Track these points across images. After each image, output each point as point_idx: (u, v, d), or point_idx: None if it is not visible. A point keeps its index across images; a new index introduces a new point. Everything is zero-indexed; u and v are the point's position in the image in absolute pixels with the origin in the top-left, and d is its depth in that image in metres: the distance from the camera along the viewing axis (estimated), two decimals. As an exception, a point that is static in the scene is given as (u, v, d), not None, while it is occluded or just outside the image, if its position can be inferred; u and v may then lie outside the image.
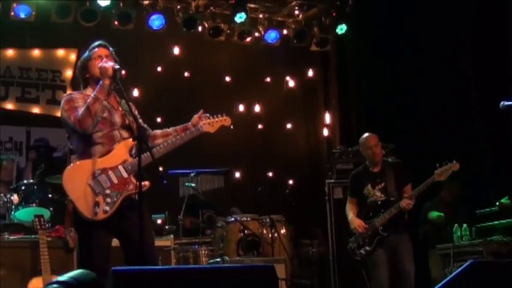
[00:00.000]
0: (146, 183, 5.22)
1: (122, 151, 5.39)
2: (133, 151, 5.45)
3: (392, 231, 7.38)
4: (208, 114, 5.83)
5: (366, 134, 7.85)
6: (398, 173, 7.60)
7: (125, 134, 5.48)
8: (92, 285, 2.78)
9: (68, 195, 5.33)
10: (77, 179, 5.28)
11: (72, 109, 5.37)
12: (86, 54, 5.62)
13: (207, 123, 5.79)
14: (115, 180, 5.31)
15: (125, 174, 5.35)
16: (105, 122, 5.39)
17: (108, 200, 5.26)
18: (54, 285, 2.64)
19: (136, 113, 5.59)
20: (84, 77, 5.61)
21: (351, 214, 7.71)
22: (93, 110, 5.26)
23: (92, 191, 5.24)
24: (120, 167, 5.34)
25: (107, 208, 5.24)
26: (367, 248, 7.46)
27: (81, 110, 5.30)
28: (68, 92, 10.88)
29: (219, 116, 5.88)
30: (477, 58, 9.39)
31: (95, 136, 5.36)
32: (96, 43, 5.63)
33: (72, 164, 5.41)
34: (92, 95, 5.33)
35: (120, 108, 5.54)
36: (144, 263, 4.90)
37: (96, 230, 5.27)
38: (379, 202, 7.51)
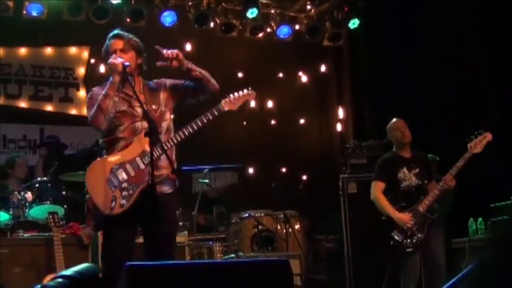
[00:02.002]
0: (163, 172, 5.29)
1: (140, 142, 5.36)
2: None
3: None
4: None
5: (394, 119, 7.75)
6: (427, 164, 7.55)
7: (146, 125, 5.42)
8: (96, 279, 2.77)
9: (88, 192, 5.42)
10: (96, 176, 5.30)
11: (91, 106, 5.38)
12: (106, 44, 5.60)
13: (228, 101, 5.69)
14: (132, 173, 5.30)
15: (142, 166, 5.31)
16: (125, 115, 5.39)
17: (125, 193, 5.24)
18: (59, 280, 2.63)
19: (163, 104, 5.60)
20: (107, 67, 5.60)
21: (389, 207, 7.40)
22: (103, 107, 5.25)
23: (109, 186, 5.25)
24: (138, 159, 5.33)
25: (123, 202, 5.22)
26: (419, 235, 7.23)
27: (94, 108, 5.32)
28: (81, 89, 10.95)
29: (244, 90, 5.79)
30: (490, 50, 9.34)
31: (117, 130, 5.37)
32: (111, 34, 5.60)
33: (94, 161, 5.44)
34: (103, 92, 5.33)
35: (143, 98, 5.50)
36: (160, 254, 4.92)
37: (118, 225, 5.27)
38: (413, 188, 7.38)
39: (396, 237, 7.33)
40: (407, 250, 7.29)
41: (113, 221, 5.25)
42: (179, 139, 5.46)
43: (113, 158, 5.35)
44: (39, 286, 2.85)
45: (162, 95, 5.61)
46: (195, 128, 5.51)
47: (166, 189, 5.40)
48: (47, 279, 7.25)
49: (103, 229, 5.54)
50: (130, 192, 5.25)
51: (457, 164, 7.22)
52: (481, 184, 8.63)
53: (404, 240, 7.29)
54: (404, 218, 7.27)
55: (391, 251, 7.43)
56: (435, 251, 7.26)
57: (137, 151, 5.35)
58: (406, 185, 7.42)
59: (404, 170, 7.44)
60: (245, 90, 5.83)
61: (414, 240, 7.26)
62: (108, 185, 5.26)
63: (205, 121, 5.55)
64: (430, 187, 7.41)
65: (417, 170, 7.44)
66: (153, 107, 5.51)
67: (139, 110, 5.43)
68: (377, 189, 7.56)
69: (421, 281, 7.47)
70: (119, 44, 5.52)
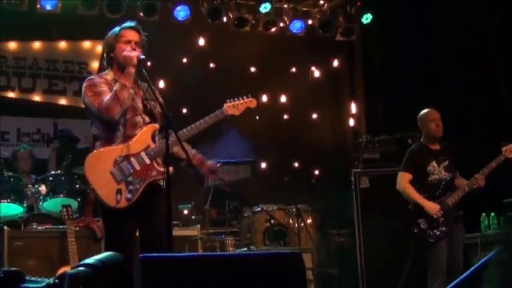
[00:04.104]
0: (170, 168, 5.15)
1: (144, 137, 5.39)
2: (157, 137, 5.47)
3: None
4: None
5: (426, 109, 7.66)
6: (455, 156, 7.49)
7: (147, 119, 5.48)
8: (118, 268, 2.80)
9: (90, 184, 5.33)
10: (98, 167, 5.28)
11: (96, 95, 5.34)
12: (117, 31, 5.58)
13: (231, 105, 5.73)
14: (137, 167, 5.31)
15: (147, 161, 5.34)
16: (127, 107, 5.38)
17: (131, 187, 5.24)
18: (81, 268, 2.66)
19: (161, 100, 5.51)
20: (109, 54, 5.60)
21: (418, 196, 7.33)
22: (121, 97, 5.25)
23: (114, 178, 5.24)
24: (143, 153, 5.34)
25: (129, 195, 5.23)
26: (443, 228, 7.18)
27: (106, 97, 5.29)
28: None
29: (244, 98, 5.82)
30: (502, 46, 9.32)
31: (118, 122, 5.35)
32: (129, 24, 5.60)
33: (94, 152, 5.39)
34: (119, 82, 5.34)
35: (142, 93, 5.52)
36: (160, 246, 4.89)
37: (122, 218, 5.27)
38: (444, 181, 7.34)
39: (422, 226, 7.30)
40: (430, 240, 7.26)
41: (118, 214, 5.26)
42: (184, 138, 5.46)
43: (115, 151, 5.33)
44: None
45: (157, 95, 5.54)
46: (200, 128, 5.55)
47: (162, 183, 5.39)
48: (60, 272, 7.32)
49: (108, 221, 5.48)
50: (137, 186, 5.26)
51: (489, 165, 7.24)
52: (493, 178, 8.60)
53: (428, 231, 7.27)
54: (434, 207, 7.24)
55: (414, 239, 7.43)
56: (455, 247, 7.23)
57: (142, 145, 5.37)
58: (435, 179, 7.39)
59: (434, 163, 7.40)
60: (246, 98, 5.85)
61: (438, 232, 7.23)
62: (112, 177, 5.25)
63: (209, 123, 5.59)
64: (458, 182, 7.40)
65: (446, 162, 7.40)
66: (152, 102, 5.54)
67: (139, 104, 5.48)
68: (404, 179, 7.51)
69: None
70: (136, 37, 5.54)
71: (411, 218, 7.40)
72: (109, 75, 5.54)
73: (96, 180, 5.26)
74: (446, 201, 7.26)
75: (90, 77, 5.61)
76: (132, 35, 5.54)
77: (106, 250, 5.43)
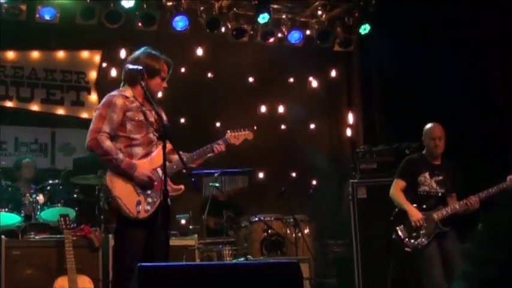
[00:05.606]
0: (181, 187, 5.70)
1: (160, 155, 5.54)
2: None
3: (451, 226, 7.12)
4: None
5: (431, 124, 7.58)
6: (455, 174, 7.38)
7: (156, 135, 5.70)
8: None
9: (111, 193, 5.52)
10: (120, 178, 5.53)
11: (101, 118, 5.58)
12: (159, 57, 5.84)
13: (233, 135, 6.20)
14: (155, 182, 5.59)
15: (163, 177, 5.52)
16: (141, 125, 5.65)
17: (149, 200, 5.55)
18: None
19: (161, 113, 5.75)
20: (136, 73, 5.66)
21: (405, 201, 7.30)
22: (114, 163, 5.49)
23: (135, 190, 5.52)
24: (159, 170, 5.57)
25: (148, 207, 5.52)
26: (424, 240, 7.10)
27: (107, 142, 5.51)
28: (92, 93, 10.99)
29: (241, 130, 6.29)
30: (503, 57, 9.33)
31: (135, 137, 5.62)
32: (167, 59, 5.93)
33: None
34: (133, 173, 5.51)
35: (154, 112, 5.71)
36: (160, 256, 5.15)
37: (135, 227, 5.52)
38: (433, 194, 7.26)
39: (400, 233, 7.28)
40: (406, 249, 7.23)
41: (136, 224, 5.50)
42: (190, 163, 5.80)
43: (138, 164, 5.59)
44: None
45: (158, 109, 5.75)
46: (207, 153, 5.96)
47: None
48: (58, 282, 7.33)
49: (121, 230, 5.66)
50: (155, 199, 5.55)
51: (489, 190, 7.10)
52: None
53: (407, 239, 7.23)
54: (417, 214, 7.17)
55: (393, 246, 7.43)
56: (454, 260, 7.00)
57: (158, 162, 5.54)
58: (424, 190, 7.32)
59: (426, 174, 7.34)
60: (244, 130, 6.34)
61: (416, 243, 7.16)
62: (133, 189, 5.53)
63: (215, 152, 6.00)
64: (451, 200, 7.30)
65: (440, 177, 7.31)
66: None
67: (153, 121, 5.71)
68: (397, 186, 7.49)
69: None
70: (166, 72, 5.90)
71: (393, 222, 7.39)
72: (127, 92, 5.74)
73: (118, 190, 5.51)
74: (433, 214, 7.18)
75: (112, 93, 5.74)
76: (166, 72, 5.92)
77: (113, 256, 5.66)
